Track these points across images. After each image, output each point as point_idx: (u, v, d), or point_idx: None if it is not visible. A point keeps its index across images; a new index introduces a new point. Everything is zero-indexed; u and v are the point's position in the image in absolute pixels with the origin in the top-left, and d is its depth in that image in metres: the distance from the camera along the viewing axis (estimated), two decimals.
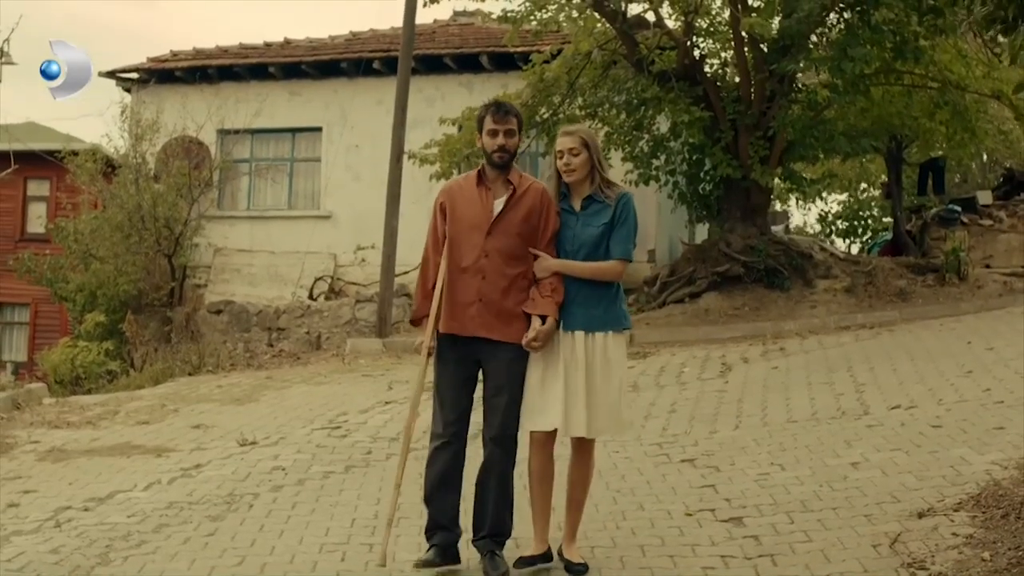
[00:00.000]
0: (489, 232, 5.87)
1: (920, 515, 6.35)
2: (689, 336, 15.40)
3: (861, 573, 5.61)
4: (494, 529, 5.90)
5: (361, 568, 6.16)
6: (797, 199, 30.44)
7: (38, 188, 28.08)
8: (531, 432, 5.90)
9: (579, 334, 5.82)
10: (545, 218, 5.94)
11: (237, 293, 20.67)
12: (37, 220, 27.44)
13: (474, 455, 6.01)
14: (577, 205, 6.01)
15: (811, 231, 33.90)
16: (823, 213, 30.65)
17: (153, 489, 8.37)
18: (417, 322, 6.18)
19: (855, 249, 29.26)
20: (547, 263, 5.90)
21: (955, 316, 15.32)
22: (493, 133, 5.96)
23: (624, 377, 6.03)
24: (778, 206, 33.43)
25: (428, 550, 5.90)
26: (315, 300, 20.15)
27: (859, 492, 6.99)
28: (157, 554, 6.63)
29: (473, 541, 5.94)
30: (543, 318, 5.80)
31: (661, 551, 6.22)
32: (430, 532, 5.96)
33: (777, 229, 24.22)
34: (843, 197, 33.49)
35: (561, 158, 5.96)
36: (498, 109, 6.05)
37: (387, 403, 11.47)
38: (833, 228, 29.97)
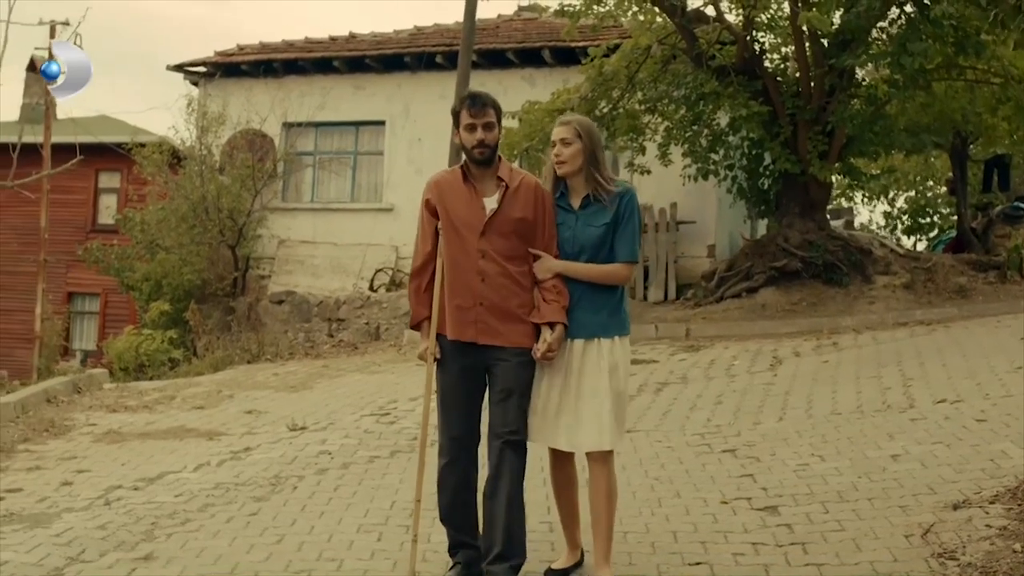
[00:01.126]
0: (484, 231, 5.48)
1: (955, 507, 6.34)
2: (745, 331, 15.38)
3: (891, 562, 5.61)
4: (507, 550, 5.45)
5: (396, 548, 6.27)
6: (863, 196, 30.19)
7: (109, 180, 28.51)
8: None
9: (578, 342, 5.46)
10: (543, 215, 5.56)
11: (300, 284, 20.93)
12: (107, 211, 27.86)
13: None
14: (576, 203, 5.58)
15: (876, 228, 33.58)
16: (889, 211, 30.45)
17: (202, 471, 8.57)
18: (417, 326, 5.77)
19: (921, 247, 29.02)
20: (548, 264, 5.52)
21: (1014, 314, 15.14)
22: (470, 128, 5.52)
23: (627, 385, 5.61)
24: (844, 203, 33.25)
25: (452, 567, 5.67)
26: (375, 291, 20.33)
27: (896, 484, 6.98)
28: (200, 532, 6.80)
29: (486, 564, 5.48)
30: (552, 325, 5.45)
31: (693, 537, 6.27)
32: (453, 550, 5.72)
33: (837, 223, 24.08)
34: (910, 194, 33.22)
35: (553, 148, 5.57)
36: (473, 101, 5.58)
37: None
38: (898, 225, 29.73)
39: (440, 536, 5.92)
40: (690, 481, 7.52)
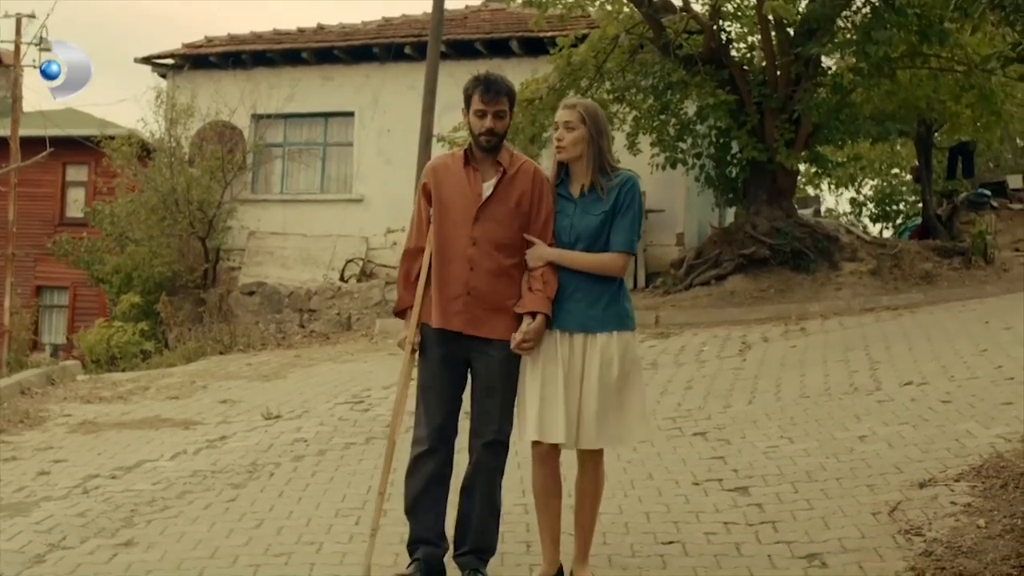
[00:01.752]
0: (476, 218, 5.24)
1: (921, 485, 6.48)
2: (714, 318, 15.52)
3: (859, 539, 5.75)
4: (478, 544, 5.38)
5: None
6: (829, 184, 30.45)
7: (77, 173, 28.50)
8: (533, 445, 5.28)
9: (578, 336, 5.20)
10: (539, 201, 5.29)
11: (270, 275, 20.94)
12: (75, 204, 27.82)
13: (459, 460, 5.51)
14: (576, 191, 5.31)
15: (844, 215, 33.88)
16: (855, 198, 30.70)
17: (179, 459, 8.64)
18: (401, 314, 5.55)
19: (888, 234, 29.28)
20: (541, 251, 5.25)
21: (979, 298, 15.37)
22: (481, 114, 5.26)
23: (633, 383, 5.28)
24: (811, 191, 33.50)
25: (410, 565, 5.35)
26: (346, 282, 20.37)
27: (864, 464, 7.13)
28: (179, 518, 6.88)
29: (455, 556, 5.40)
30: (533, 315, 5.18)
31: (666, 517, 6.40)
32: (413, 546, 5.41)
33: (806, 212, 24.28)
34: (876, 182, 33.50)
35: (556, 131, 5.33)
36: (488, 87, 5.27)
37: (412, 379, 11.67)
38: (865, 212, 29.99)
39: (399, 529, 5.75)
40: (662, 464, 7.64)
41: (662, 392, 10.21)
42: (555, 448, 5.27)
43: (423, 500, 5.37)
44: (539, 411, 5.16)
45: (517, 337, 5.18)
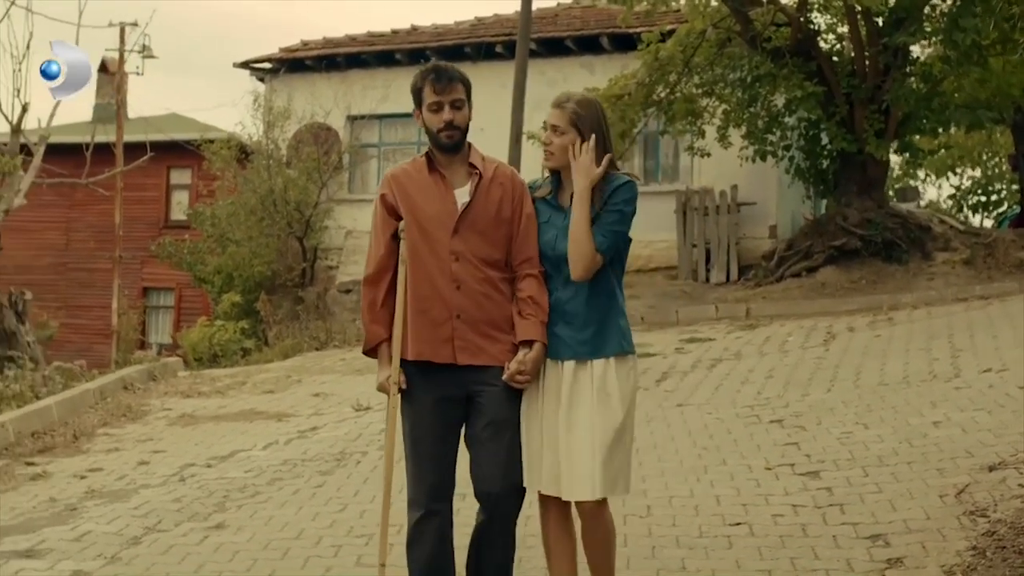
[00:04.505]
0: (456, 229, 4.54)
1: (991, 468, 6.56)
2: (804, 309, 15.52)
3: (924, 520, 5.86)
4: None
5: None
6: (927, 175, 30.10)
7: (180, 177, 29.16)
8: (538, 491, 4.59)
9: (568, 364, 4.51)
10: (519, 206, 4.64)
11: None
12: (179, 207, 28.49)
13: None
14: (567, 201, 4.62)
15: (944, 207, 33.43)
16: (956, 189, 30.30)
17: (271, 449, 8.97)
18: (372, 351, 4.72)
19: (988, 224, 28.85)
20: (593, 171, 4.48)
21: None
22: (436, 107, 4.58)
23: (631, 418, 4.56)
24: (911, 183, 33.13)
25: None
26: None
27: (936, 448, 7.21)
28: (269, 503, 7.20)
29: None
30: (529, 343, 4.53)
31: (735, 500, 6.55)
32: None
33: (909, 206, 24.02)
34: (976, 173, 33.02)
35: (543, 134, 4.70)
36: (439, 75, 4.59)
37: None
38: (964, 203, 29.57)
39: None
40: (737, 450, 7.78)
41: (743, 381, 10.33)
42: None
43: (430, 571, 4.64)
44: (528, 453, 4.55)
45: (512, 367, 4.51)
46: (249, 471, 8.15)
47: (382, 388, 4.63)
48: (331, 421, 9.98)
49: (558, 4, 24.16)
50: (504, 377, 4.50)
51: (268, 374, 13.53)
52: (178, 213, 28.15)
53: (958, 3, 15.90)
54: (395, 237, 4.63)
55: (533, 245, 4.63)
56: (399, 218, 4.62)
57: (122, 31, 28.79)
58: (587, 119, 4.54)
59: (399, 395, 4.56)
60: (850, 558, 5.46)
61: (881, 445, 7.47)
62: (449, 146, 4.62)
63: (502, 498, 4.54)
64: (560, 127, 4.55)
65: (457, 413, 4.59)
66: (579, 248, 4.46)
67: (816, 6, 18.07)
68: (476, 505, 4.64)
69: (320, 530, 6.47)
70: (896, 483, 6.58)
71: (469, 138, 4.67)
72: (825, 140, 17.90)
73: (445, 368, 4.53)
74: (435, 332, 4.53)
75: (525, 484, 4.55)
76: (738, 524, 6.09)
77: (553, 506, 4.59)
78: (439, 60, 4.83)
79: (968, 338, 11.32)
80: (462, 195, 4.60)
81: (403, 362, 4.56)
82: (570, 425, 4.45)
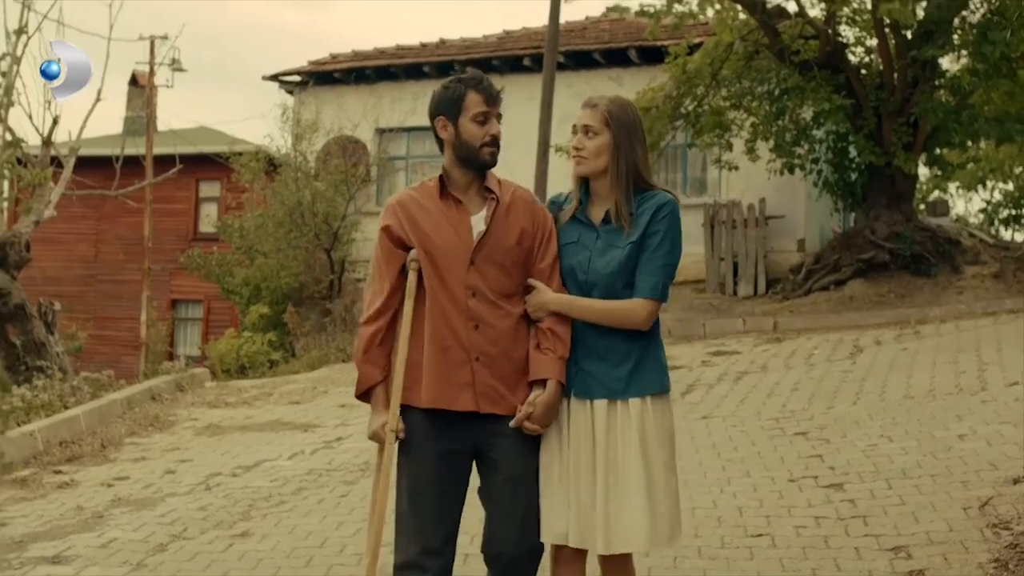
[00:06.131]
0: (472, 261, 4.03)
1: (1015, 481, 6.55)
2: (832, 323, 15.48)
3: (947, 532, 5.86)
4: None
5: (476, 523, 6.60)
6: (957, 188, 29.95)
7: (209, 189, 29.29)
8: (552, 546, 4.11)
9: (600, 403, 4.00)
10: (544, 241, 4.13)
11: None
12: (208, 219, 28.63)
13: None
14: (599, 216, 4.13)
15: (974, 221, 33.26)
16: (987, 203, 30.13)
17: (296, 458, 9.03)
18: (365, 395, 4.19)
19: (1020, 238, 28.70)
20: (543, 298, 4.06)
21: None
22: (483, 118, 4.07)
23: (673, 459, 4.11)
24: (941, 196, 32.96)
25: None
26: None
27: (960, 461, 7.20)
28: (293, 512, 7.25)
29: None
30: (543, 382, 4.02)
31: (758, 512, 6.56)
32: None
33: (940, 220, 23.91)
34: (1009, 186, 32.81)
35: (574, 136, 4.17)
36: (487, 85, 4.11)
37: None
38: (995, 217, 29.42)
39: None
40: (761, 462, 7.78)
41: (768, 394, 10.32)
42: (581, 550, 4.09)
43: None
44: (546, 503, 4.04)
45: (522, 412, 4.00)
46: (274, 480, 8.20)
47: (375, 436, 4.12)
48: (356, 432, 10.00)
49: (586, 17, 24.22)
50: (511, 423, 4.00)
51: (294, 385, 13.60)
52: (207, 225, 28.28)
53: (987, 16, 15.86)
54: (403, 272, 4.11)
55: (557, 281, 4.12)
56: (407, 249, 4.10)
57: (152, 44, 29.10)
58: (622, 120, 4.06)
59: (396, 444, 4.08)
60: (872, 570, 5.46)
61: (905, 458, 7.45)
62: (490, 164, 4.12)
63: (515, 561, 4.05)
64: (593, 127, 4.06)
65: (464, 466, 4.13)
66: (626, 319, 4.05)
67: (844, 19, 18.04)
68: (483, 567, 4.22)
69: (344, 539, 6.51)
70: (919, 495, 6.57)
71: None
72: (853, 153, 17.87)
73: (458, 417, 4.03)
74: (453, 377, 4.00)
75: (542, 539, 4.05)
76: (760, 535, 6.10)
77: (569, 560, 4.10)
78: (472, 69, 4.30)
79: (996, 352, 11.27)
80: (477, 223, 4.07)
81: (405, 410, 4.05)
82: (609, 471, 3.95)
